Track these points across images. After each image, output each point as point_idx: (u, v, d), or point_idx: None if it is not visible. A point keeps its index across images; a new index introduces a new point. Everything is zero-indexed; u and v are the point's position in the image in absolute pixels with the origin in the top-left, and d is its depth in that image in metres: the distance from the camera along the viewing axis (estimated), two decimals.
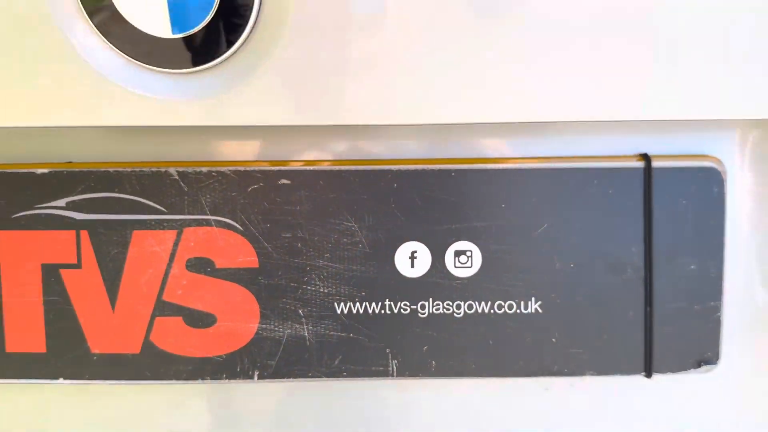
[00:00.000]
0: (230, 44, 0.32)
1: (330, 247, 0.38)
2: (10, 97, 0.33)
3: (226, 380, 0.39)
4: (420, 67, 0.32)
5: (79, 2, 0.31)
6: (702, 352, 0.40)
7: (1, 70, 0.33)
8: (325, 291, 0.38)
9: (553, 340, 0.39)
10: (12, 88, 0.33)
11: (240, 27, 0.32)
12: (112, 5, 0.31)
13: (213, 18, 0.32)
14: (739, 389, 0.41)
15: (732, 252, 0.40)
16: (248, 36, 0.32)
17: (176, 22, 0.32)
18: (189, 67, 0.33)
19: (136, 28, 0.32)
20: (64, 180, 0.37)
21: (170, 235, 0.38)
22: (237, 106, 0.33)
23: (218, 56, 0.33)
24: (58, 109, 0.33)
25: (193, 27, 0.32)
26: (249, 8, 0.31)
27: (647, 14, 0.32)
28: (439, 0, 0.31)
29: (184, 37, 0.32)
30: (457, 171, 0.38)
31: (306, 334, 0.39)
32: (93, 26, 0.32)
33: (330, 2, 0.32)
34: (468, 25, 0.32)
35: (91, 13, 0.32)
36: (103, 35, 0.32)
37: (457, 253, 0.39)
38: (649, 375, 0.39)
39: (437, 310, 0.39)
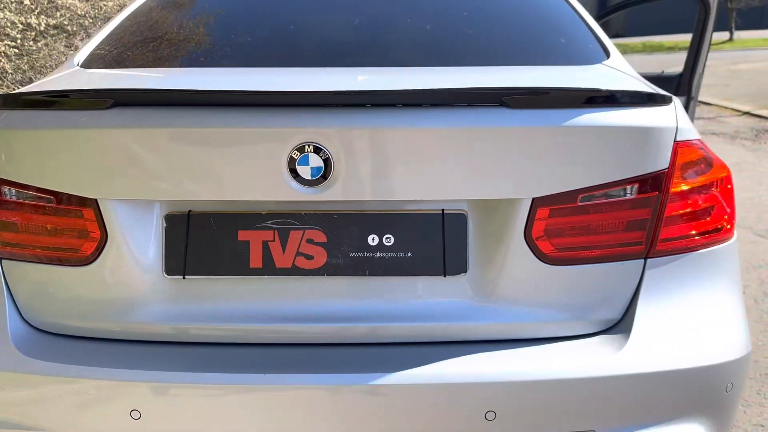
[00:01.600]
0: (326, 174, 1.19)
1: (347, 235, 1.26)
2: (248, 183, 1.22)
3: (318, 276, 1.27)
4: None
5: (287, 165, 1.20)
6: (461, 266, 1.27)
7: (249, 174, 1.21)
8: (347, 249, 1.26)
9: (421, 268, 1.26)
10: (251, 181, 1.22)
11: (326, 178, 1.20)
12: (296, 171, 1.20)
13: (322, 174, 1.19)
14: (471, 280, 1.28)
15: (470, 237, 1.27)
16: (329, 180, 1.20)
17: (313, 174, 1.20)
18: (314, 186, 1.21)
19: (300, 176, 1.20)
20: (273, 215, 1.26)
21: (300, 232, 1.26)
22: (327, 197, 1.22)
23: (319, 184, 1.21)
24: (256, 191, 1.22)
25: (317, 176, 1.20)
26: (331, 168, 1.19)
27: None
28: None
29: (315, 178, 1.20)
30: (395, 214, 1.26)
31: (340, 262, 1.26)
32: (293, 175, 1.20)
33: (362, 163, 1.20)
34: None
35: (291, 168, 1.20)
36: (294, 178, 1.20)
37: (387, 237, 1.27)
38: (444, 276, 1.27)
39: (382, 255, 1.26)
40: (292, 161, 1.19)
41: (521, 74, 1.49)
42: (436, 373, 1.18)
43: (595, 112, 1.22)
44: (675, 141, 1.26)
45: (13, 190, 1.29)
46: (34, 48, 7.44)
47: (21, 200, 1.29)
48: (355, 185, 1.21)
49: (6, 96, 1.32)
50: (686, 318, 1.27)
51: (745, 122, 9.36)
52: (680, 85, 3.63)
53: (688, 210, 1.29)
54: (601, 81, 1.47)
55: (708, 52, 3.57)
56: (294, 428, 1.20)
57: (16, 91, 1.47)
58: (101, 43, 1.82)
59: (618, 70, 1.59)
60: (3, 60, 6.93)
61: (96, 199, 1.25)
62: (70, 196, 1.26)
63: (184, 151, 1.22)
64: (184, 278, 1.27)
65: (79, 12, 7.92)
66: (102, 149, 1.23)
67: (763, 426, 2.21)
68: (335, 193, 1.22)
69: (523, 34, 1.84)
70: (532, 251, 1.25)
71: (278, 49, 1.73)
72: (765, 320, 3.06)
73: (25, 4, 7.05)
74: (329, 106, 1.21)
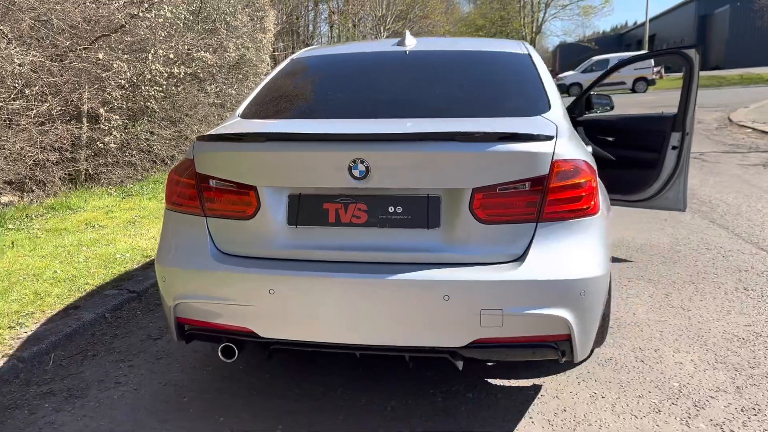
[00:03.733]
0: (367, 175, 2.39)
1: (378, 206, 2.44)
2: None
3: (363, 227, 2.44)
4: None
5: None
6: (436, 223, 2.39)
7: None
8: (378, 213, 2.42)
9: (416, 224, 2.42)
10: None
11: (367, 176, 2.38)
12: (352, 172, 2.40)
13: (365, 174, 2.38)
14: (442, 231, 2.42)
15: (441, 208, 2.41)
16: (368, 177, 2.39)
17: (361, 174, 2.38)
18: (361, 180, 2.40)
19: (354, 175, 2.40)
20: (340, 195, 2.47)
21: (354, 204, 2.45)
22: (368, 185, 2.41)
23: (363, 179, 2.39)
24: (332, 182, 2.43)
25: (362, 175, 2.39)
26: (370, 171, 2.38)
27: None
28: None
29: (362, 176, 2.39)
30: (403, 196, 2.44)
31: (375, 220, 2.43)
32: (350, 174, 2.41)
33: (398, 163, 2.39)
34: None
35: (349, 170, 2.41)
36: (350, 175, 2.41)
37: (398, 208, 2.42)
38: (428, 228, 2.40)
39: (396, 217, 2.43)
40: (350, 167, 2.40)
41: (478, 123, 2.63)
42: (420, 275, 2.32)
43: (505, 143, 2.33)
44: (552, 159, 2.35)
45: (214, 181, 2.59)
46: (175, 92, 9.31)
47: (217, 186, 2.59)
48: (382, 180, 2.39)
49: (211, 135, 2.65)
50: (559, 255, 2.34)
51: None
52: (675, 123, 4.57)
53: (562, 197, 2.37)
54: (528, 127, 2.56)
55: (696, 96, 4.48)
56: (348, 298, 2.38)
57: (209, 132, 2.80)
58: (250, 102, 3.16)
59: (547, 120, 2.67)
60: (152, 102, 8.80)
61: (255, 186, 2.52)
62: (243, 184, 2.54)
63: (298, 162, 2.46)
64: (296, 227, 2.50)
65: (209, 62, 9.77)
66: (260, 160, 2.50)
67: (657, 350, 3.14)
68: (372, 184, 2.39)
69: (496, 94, 2.99)
70: (474, 216, 2.37)
71: (346, 106, 3.00)
72: (725, 306, 3.93)
73: (170, 58, 8.91)
74: (369, 140, 2.41)
